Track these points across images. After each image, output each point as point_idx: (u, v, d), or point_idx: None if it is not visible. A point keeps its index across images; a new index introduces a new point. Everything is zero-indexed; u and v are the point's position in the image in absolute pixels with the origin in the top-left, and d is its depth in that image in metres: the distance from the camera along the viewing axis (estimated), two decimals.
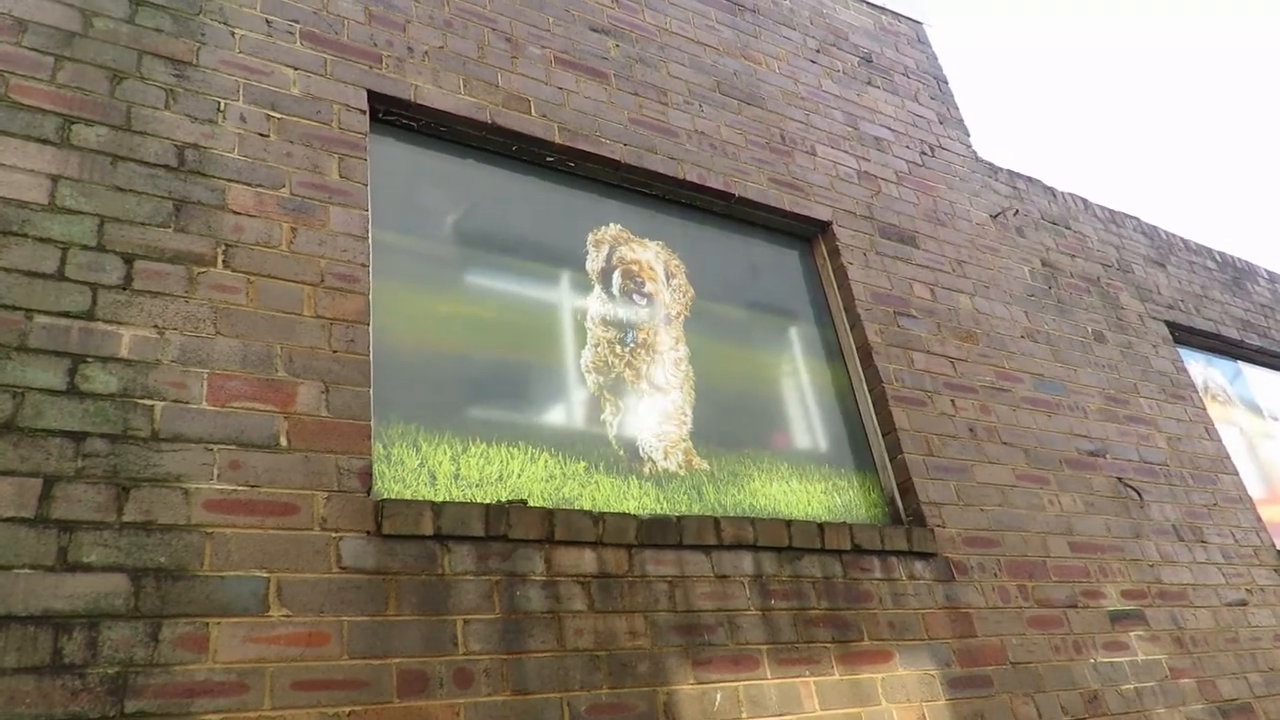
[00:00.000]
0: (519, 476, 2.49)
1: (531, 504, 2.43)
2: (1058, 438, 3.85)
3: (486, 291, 2.76)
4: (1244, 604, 3.96)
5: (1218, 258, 6.01)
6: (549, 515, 2.31)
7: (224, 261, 2.23)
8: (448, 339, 2.60)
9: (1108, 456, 3.99)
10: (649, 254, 3.25)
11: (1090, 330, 4.53)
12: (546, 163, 3.18)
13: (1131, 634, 3.42)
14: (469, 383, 2.56)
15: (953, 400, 3.59)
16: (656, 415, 2.88)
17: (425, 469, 2.34)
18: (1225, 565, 4.05)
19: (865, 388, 3.46)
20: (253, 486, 1.98)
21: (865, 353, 3.49)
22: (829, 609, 2.70)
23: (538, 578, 2.23)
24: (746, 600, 2.55)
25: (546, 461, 2.57)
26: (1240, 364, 5.59)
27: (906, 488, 3.22)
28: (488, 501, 2.33)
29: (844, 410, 3.42)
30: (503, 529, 2.23)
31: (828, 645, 2.62)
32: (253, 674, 1.79)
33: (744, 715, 2.34)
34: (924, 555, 3.03)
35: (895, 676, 2.70)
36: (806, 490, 3.08)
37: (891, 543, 2.95)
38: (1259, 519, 4.44)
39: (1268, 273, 6.37)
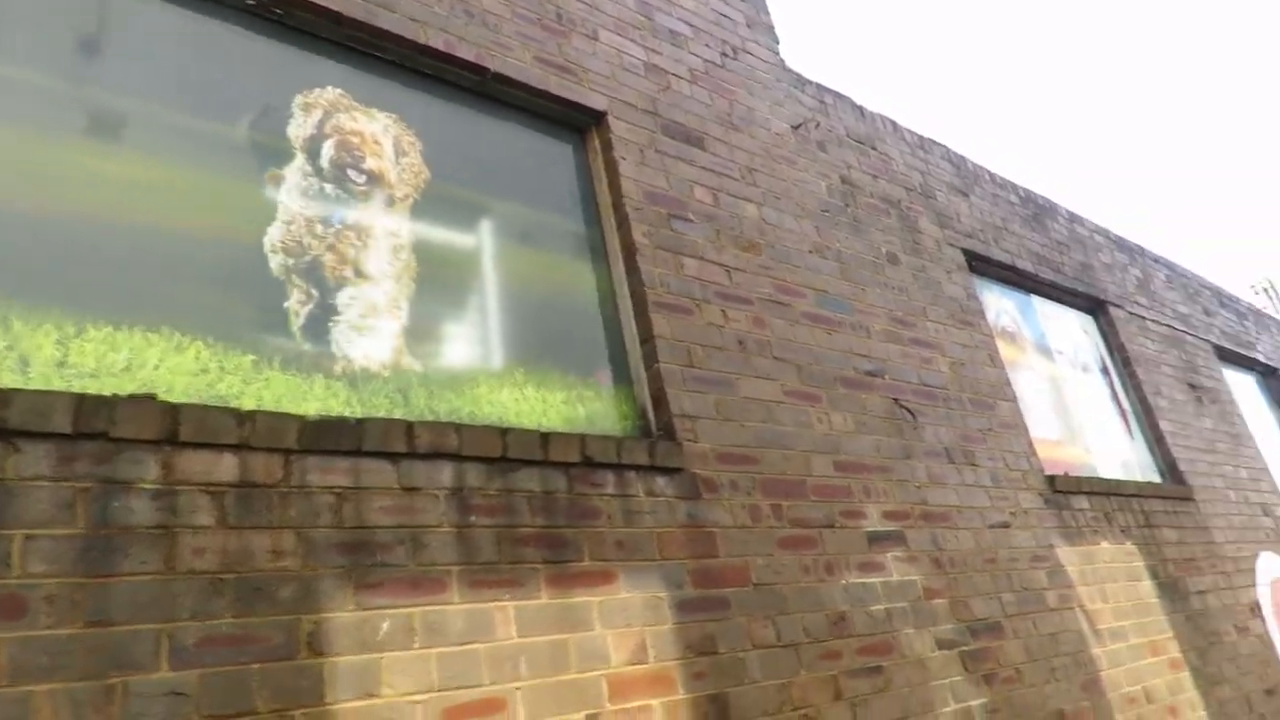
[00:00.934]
0: (156, 368, 2.04)
1: (165, 400, 2.00)
2: (836, 356, 3.70)
3: (138, 146, 2.26)
4: (1006, 526, 3.99)
5: (1021, 193, 6.07)
6: (173, 411, 1.89)
7: None
8: (79, 201, 2.10)
9: (886, 377, 3.89)
10: (375, 126, 2.80)
11: (884, 251, 4.41)
12: (247, 6, 2.66)
13: (889, 555, 3.34)
14: (99, 254, 2.08)
15: (724, 311, 3.35)
16: (361, 307, 2.48)
17: (15, 353, 1.87)
18: (993, 489, 4.06)
19: (626, 292, 3.17)
20: None
21: (629, 254, 3.19)
22: (545, 527, 2.41)
23: (148, 486, 1.81)
24: (439, 516, 2.22)
25: (199, 352, 2.13)
26: (1034, 298, 5.69)
27: (660, 399, 2.97)
28: (97, 394, 1.88)
29: (603, 316, 3.12)
30: (101, 426, 1.79)
31: (537, 566, 2.34)
32: None
33: (416, 644, 2.02)
34: (668, 471, 2.79)
35: (616, 600, 2.45)
36: (544, 399, 2.77)
37: (630, 456, 2.68)
38: (1030, 445, 4.50)
39: (1068, 213, 6.51)
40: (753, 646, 2.70)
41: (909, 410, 3.86)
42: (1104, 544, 4.55)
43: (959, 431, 4.08)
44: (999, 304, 5.28)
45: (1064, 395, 5.37)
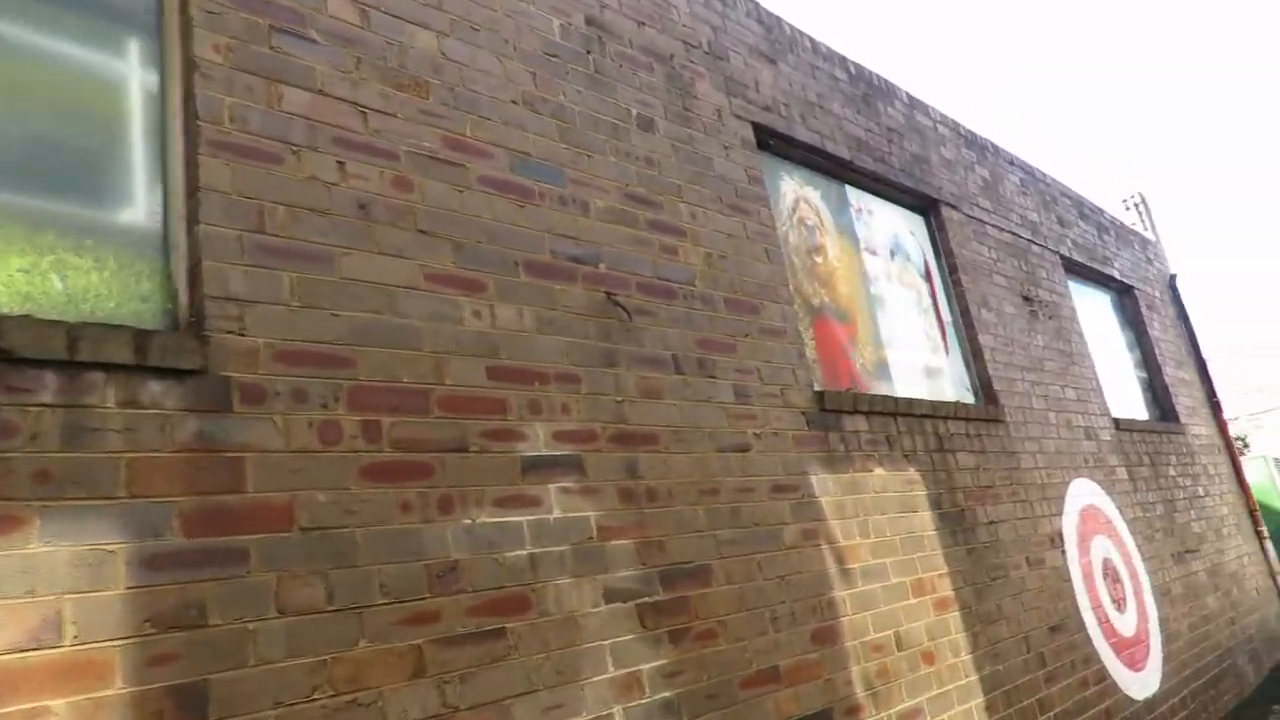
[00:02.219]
0: None
1: None
2: (525, 235, 2.92)
3: None
4: (744, 450, 3.36)
5: (851, 69, 5.29)
6: None
7: None
8: None
9: (602, 266, 3.14)
10: None
11: (635, 114, 3.59)
12: None
13: (551, 486, 2.65)
14: None
15: (342, 164, 2.51)
16: None
17: None
18: (734, 405, 3.41)
19: (180, 126, 2.30)
20: None
21: (189, 73, 2.31)
22: None
23: None
24: None
25: None
26: (849, 189, 4.99)
27: (197, 275, 2.15)
28: None
29: (142, 158, 2.25)
30: None
31: None
32: None
33: None
34: (174, 373, 2.00)
35: (13, 556, 1.69)
36: None
37: (96, 350, 1.88)
38: (802, 355, 3.86)
39: (909, 97, 5.78)
40: (278, 614, 1.99)
41: (623, 307, 3.13)
42: (878, 471, 3.99)
43: (698, 336, 3.39)
44: (799, 191, 4.56)
45: (870, 301, 4.74)
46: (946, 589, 4.09)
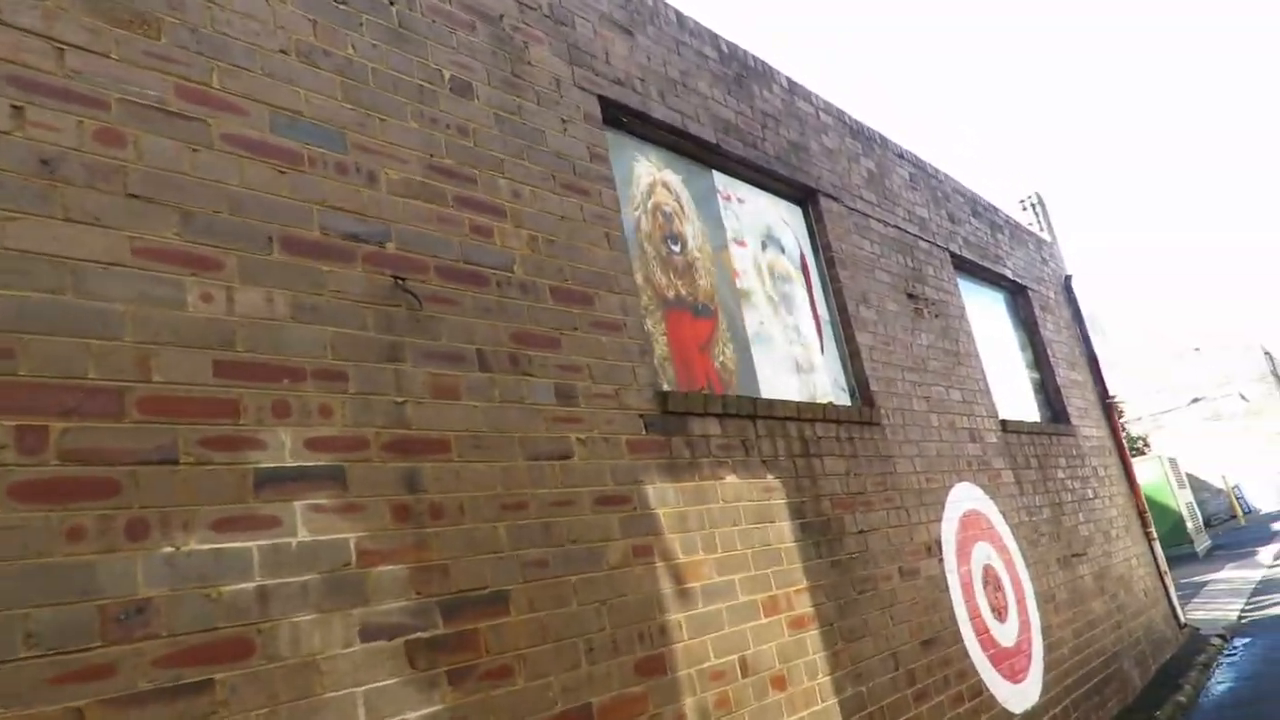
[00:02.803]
0: None
1: None
2: (287, 206, 2.48)
3: None
4: (565, 459, 2.97)
5: (724, 48, 4.96)
6: None
7: None
8: None
9: (390, 246, 2.72)
10: None
11: (448, 76, 3.18)
12: None
13: (296, 503, 2.22)
14: None
15: (19, 108, 2.04)
16: None
17: None
18: (554, 408, 3.02)
19: None
20: None
21: None
22: None
23: None
24: None
25: None
26: (716, 175, 4.66)
27: None
28: None
29: None
30: None
31: None
32: None
33: None
34: None
35: None
36: None
37: None
38: (645, 351, 3.50)
39: (789, 82, 5.49)
40: None
41: (413, 294, 2.71)
42: (730, 478, 3.66)
43: (514, 328, 2.99)
44: (657, 174, 4.20)
45: (735, 296, 4.42)
46: (805, 605, 3.77)
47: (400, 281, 2.69)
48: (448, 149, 3.04)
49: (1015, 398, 7.32)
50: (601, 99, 3.87)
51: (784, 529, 3.85)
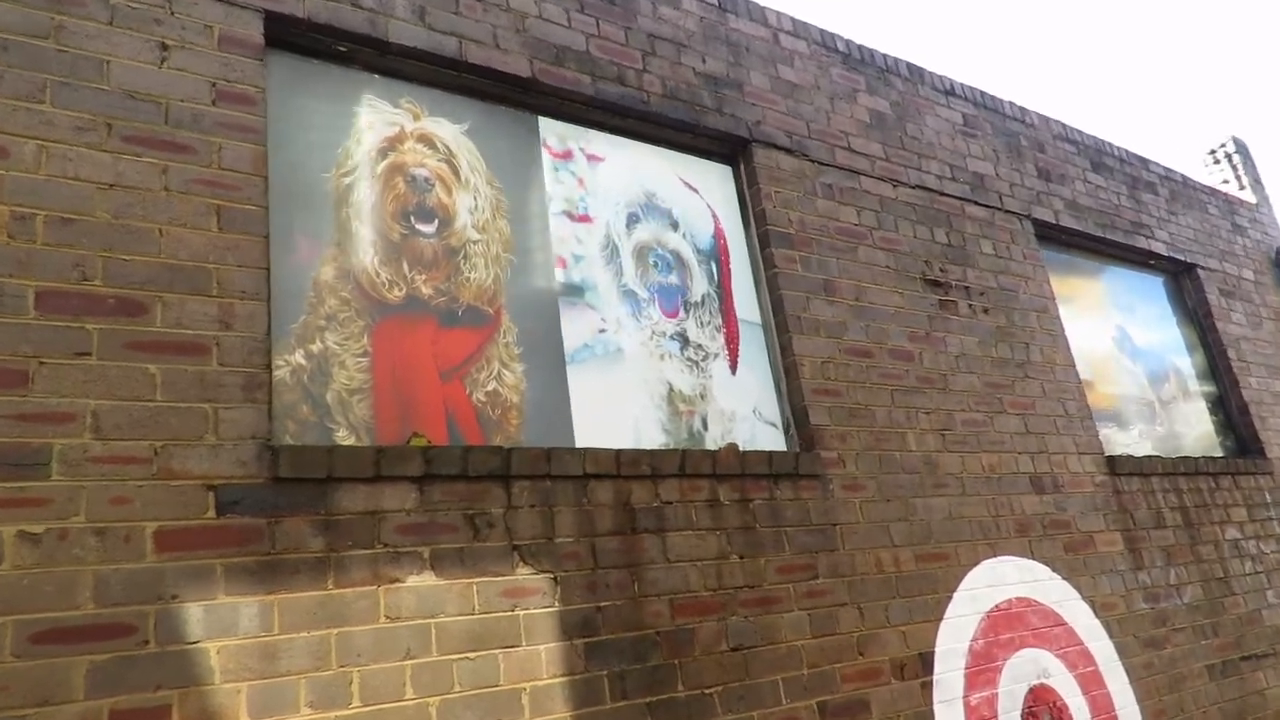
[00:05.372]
0: None
1: None
2: None
3: None
4: None
5: None
6: None
7: None
8: None
9: None
10: None
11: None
12: None
13: None
14: None
15: None
16: None
17: None
18: None
19: None
20: None
21: None
22: None
23: None
24: None
25: None
26: (562, 130, 3.28)
27: None
28: None
29: None
30: None
31: None
32: None
33: None
34: None
35: None
36: None
37: None
38: (259, 385, 2.25)
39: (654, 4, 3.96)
40: None
41: None
42: (421, 580, 2.32)
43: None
44: (409, 126, 2.92)
45: (553, 292, 3.03)
46: None
47: None
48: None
49: (1162, 422, 5.14)
50: (269, 15, 2.67)
51: (542, 656, 2.43)
